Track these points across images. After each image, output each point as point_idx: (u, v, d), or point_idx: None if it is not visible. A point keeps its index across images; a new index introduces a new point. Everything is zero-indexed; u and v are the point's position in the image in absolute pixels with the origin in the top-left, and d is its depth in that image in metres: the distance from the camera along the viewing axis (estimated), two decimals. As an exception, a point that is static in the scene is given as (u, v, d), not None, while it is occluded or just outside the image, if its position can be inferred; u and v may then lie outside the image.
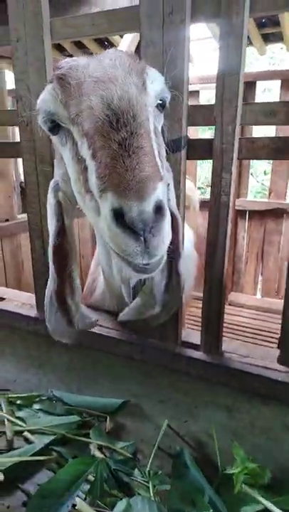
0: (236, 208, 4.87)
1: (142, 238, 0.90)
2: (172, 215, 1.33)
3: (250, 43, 4.59)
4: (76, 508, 1.21)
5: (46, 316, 1.49)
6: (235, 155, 1.35)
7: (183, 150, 1.42)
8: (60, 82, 1.07)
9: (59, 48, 4.56)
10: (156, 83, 1.13)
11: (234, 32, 1.25)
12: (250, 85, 4.65)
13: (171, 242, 1.01)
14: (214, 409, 1.62)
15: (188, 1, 1.29)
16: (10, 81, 3.92)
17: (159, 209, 0.90)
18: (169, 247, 1.00)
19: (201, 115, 1.41)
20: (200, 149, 1.44)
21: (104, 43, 4.89)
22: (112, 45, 4.82)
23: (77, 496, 1.31)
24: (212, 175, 1.40)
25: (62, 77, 1.07)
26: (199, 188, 8.66)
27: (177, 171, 1.43)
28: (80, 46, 4.73)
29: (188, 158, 1.45)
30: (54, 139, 1.20)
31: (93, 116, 0.99)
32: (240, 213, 4.94)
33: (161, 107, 1.19)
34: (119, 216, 0.89)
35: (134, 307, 1.53)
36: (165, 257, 1.04)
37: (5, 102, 3.79)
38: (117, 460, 1.52)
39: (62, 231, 1.32)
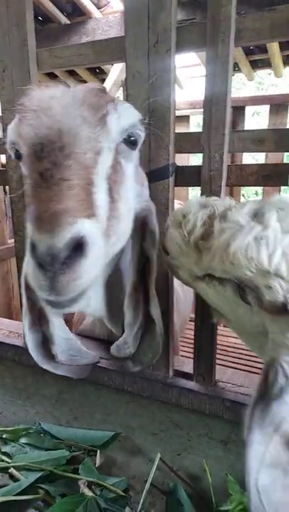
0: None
1: (49, 274, 0.86)
2: (147, 257, 1.31)
3: (238, 69, 4.70)
4: None
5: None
6: (223, 182, 1.34)
7: (171, 177, 1.41)
8: (20, 113, 1.06)
9: (51, 75, 4.64)
10: (124, 119, 1.10)
11: (220, 61, 1.26)
12: (240, 110, 4.75)
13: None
14: (209, 441, 1.56)
15: (173, 31, 1.30)
16: None
17: (79, 246, 0.86)
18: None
19: (188, 142, 1.41)
20: (188, 176, 1.43)
21: (96, 70, 5.01)
22: (103, 72, 4.93)
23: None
24: (201, 201, 1.39)
25: (21, 108, 1.06)
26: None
27: (165, 198, 1.42)
28: (71, 73, 4.83)
29: (176, 185, 1.44)
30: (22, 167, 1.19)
31: (24, 146, 1.00)
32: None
33: (131, 143, 1.16)
34: (34, 248, 0.86)
35: (116, 344, 1.49)
36: (86, 296, 1.00)
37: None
38: (107, 498, 1.45)
39: None
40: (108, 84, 5.11)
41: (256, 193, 8.95)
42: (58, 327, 1.42)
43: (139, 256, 1.31)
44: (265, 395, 1.00)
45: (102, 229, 0.98)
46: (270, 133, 1.29)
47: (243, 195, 9.42)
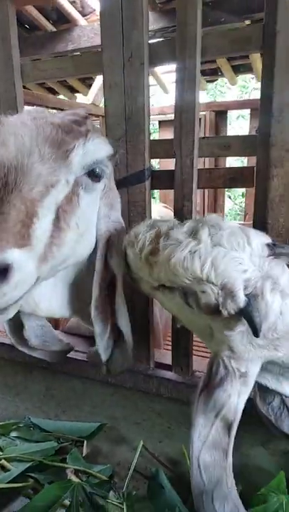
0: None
1: None
2: (112, 272, 1.41)
3: (221, 74, 4.84)
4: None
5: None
6: (194, 185, 1.45)
7: (147, 181, 1.52)
8: None
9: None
10: (90, 155, 1.20)
11: (188, 74, 1.37)
12: (222, 114, 4.89)
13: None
14: (188, 429, 1.66)
15: (146, 46, 1.41)
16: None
17: (2, 271, 0.98)
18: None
19: (162, 149, 1.52)
20: (163, 179, 1.54)
21: (85, 80, 5.18)
22: (90, 78, 5.10)
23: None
24: (174, 203, 1.50)
25: None
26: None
27: (142, 200, 1.52)
28: (63, 83, 4.98)
29: (152, 188, 1.55)
30: None
31: None
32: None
33: (94, 176, 1.26)
34: None
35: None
36: (13, 308, 1.13)
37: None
38: (92, 484, 1.54)
39: None
40: (94, 89, 5.26)
41: (242, 194, 9.11)
42: (28, 317, 1.52)
43: (103, 272, 1.41)
44: (209, 384, 1.16)
45: (37, 256, 1.09)
46: (235, 139, 1.41)
47: (229, 197, 9.58)
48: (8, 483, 1.54)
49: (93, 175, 1.25)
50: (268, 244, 1.15)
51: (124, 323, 1.44)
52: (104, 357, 1.49)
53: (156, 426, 1.72)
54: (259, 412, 1.46)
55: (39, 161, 1.10)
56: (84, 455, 1.71)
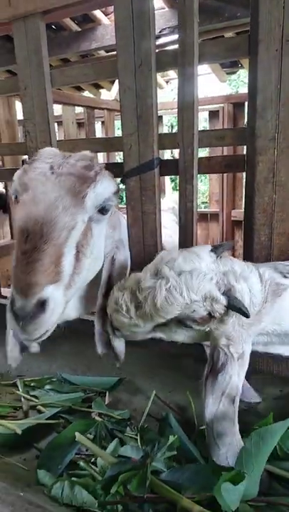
0: (232, 218, 5.21)
1: (21, 323, 1.28)
2: (111, 284, 1.66)
3: (241, 66, 5.00)
4: (76, 440, 1.54)
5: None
6: (195, 171, 1.72)
7: (156, 168, 1.80)
8: (21, 177, 1.48)
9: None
10: (100, 195, 1.47)
11: (187, 78, 1.64)
12: (240, 106, 5.07)
13: None
14: (193, 380, 1.94)
15: (153, 56, 1.68)
16: (20, 112, 4.38)
17: (41, 304, 1.27)
18: None
19: (168, 141, 1.80)
20: (169, 167, 1.81)
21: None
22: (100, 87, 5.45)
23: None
24: (179, 187, 1.78)
25: (23, 174, 1.47)
26: (203, 203, 9.06)
27: (152, 185, 1.81)
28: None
29: (161, 175, 1.83)
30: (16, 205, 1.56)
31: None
32: (236, 224, 5.26)
33: (104, 211, 1.53)
34: (13, 303, 1.28)
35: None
36: (48, 333, 1.43)
37: (16, 130, 4.20)
38: (112, 421, 1.85)
39: None
40: (117, 86, 5.57)
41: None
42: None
43: (107, 283, 1.70)
44: (212, 370, 1.45)
45: (64, 285, 1.38)
46: (229, 131, 1.67)
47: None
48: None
49: (103, 210, 1.53)
50: (211, 250, 1.43)
51: None
52: (100, 349, 1.78)
53: (167, 378, 2.01)
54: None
55: (63, 212, 1.37)
56: (106, 403, 2.03)
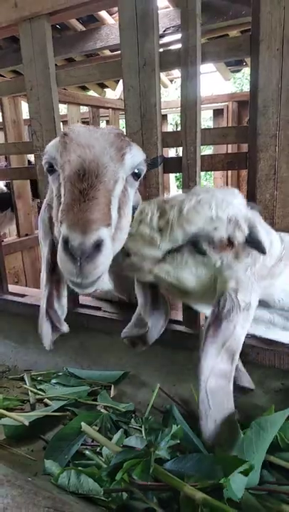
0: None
1: (78, 263, 1.24)
2: None
3: (246, 64, 5.03)
4: (81, 430, 1.58)
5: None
6: (198, 168, 1.75)
7: (160, 166, 1.83)
8: (62, 139, 1.46)
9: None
10: (135, 158, 1.49)
11: (190, 77, 1.67)
12: (245, 104, 5.09)
13: None
14: (196, 373, 1.98)
15: (156, 56, 1.72)
16: (25, 111, 4.44)
17: (98, 245, 1.24)
18: None
19: (171, 139, 1.83)
20: (173, 165, 1.85)
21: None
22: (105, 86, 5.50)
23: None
24: (182, 184, 1.81)
25: (64, 136, 1.46)
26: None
27: (156, 182, 1.85)
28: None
29: (164, 172, 1.86)
30: (50, 177, 1.57)
31: (70, 168, 1.37)
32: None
33: (136, 176, 1.55)
34: (67, 243, 1.24)
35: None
36: (100, 280, 1.37)
37: (22, 129, 4.26)
38: (117, 413, 1.89)
39: (52, 243, 1.70)
40: (121, 85, 5.61)
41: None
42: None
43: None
44: (217, 317, 1.39)
45: (112, 234, 1.37)
46: (231, 129, 1.70)
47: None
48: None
49: (135, 174, 1.55)
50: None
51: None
52: (149, 321, 1.80)
53: (171, 372, 2.05)
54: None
55: (110, 160, 1.40)
56: (111, 396, 2.07)
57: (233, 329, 1.36)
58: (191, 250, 1.41)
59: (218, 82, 7.64)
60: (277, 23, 1.47)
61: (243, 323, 1.37)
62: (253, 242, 1.33)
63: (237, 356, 1.39)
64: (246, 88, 9.80)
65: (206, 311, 1.63)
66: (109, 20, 4.31)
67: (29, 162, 4.11)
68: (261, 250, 1.33)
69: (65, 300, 1.87)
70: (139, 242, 1.48)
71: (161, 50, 1.75)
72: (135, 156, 1.51)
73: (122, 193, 1.46)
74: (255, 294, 1.40)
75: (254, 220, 1.36)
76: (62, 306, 1.88)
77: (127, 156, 1.46)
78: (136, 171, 1.55)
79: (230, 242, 1.35)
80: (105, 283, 1.82)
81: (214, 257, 1.40)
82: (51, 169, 1.51)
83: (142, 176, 1.60)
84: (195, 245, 1.40)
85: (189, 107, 1.70)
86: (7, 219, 4.54)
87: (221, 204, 1.33)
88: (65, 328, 1.83)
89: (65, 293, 1.85)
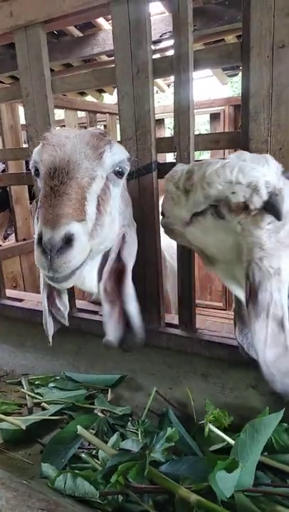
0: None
1: (49, 257, 1.29)
2: (122, 263, 1.72)
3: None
4: (77, 433, 1.59)
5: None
6: (191, 173, 1.77)
7: (154, 171, 1.86)
8: (43, 143, 1.51)
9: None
10: (116, 156, 1.53)
11: (183, 84, 1.70)
12: (239, 108, 5.13)
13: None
14: (192, 376, 2.00)
15: (150, 63, 1.75)
16: (23, 117, 4.47)
17: (68, 240, 1.28)
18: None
19: (165, 144, 1.86)
20: (167, 170, 1.85)
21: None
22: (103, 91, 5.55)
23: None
24: (176, 189, 1.83)
25: (44, 140, 1.51)
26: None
27: (150, 187, 1.87)
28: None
29: (159, 178, 1.89)
30: (37, 180, 1.60)
31: (42, 168, 1.44)
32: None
33: (119, 174, 1.59)
34: (41, 239, 1.28)
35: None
36: (75, 276, 1.41)
37: (19, 135, 4.29)
38: (114, 417, 1.91)
39: None
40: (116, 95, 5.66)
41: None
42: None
43: (116, 261, 1.73)
44: (251, 291, 1.34)
45: (88, 231, 1.41)
46: (224, 135, 1.72)
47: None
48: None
49: (118, 172, 1.59)
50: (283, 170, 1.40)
51: (132, 307, 1.72)
52: (111, 337, 1.74)
53: (167, 375, 2.07)
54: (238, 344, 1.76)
55: (85, 158, 1.44)
56: (108, 400, 2.08)
57: (270, 297, 1.32)
58: (213, 214, 1.42)
59: (216, 87, 7.68)
60: (267, 30, 1.49)
61: (278, 287, 1.33)
62: (269, 208, 1.31)
63: (286, 320, 1.33)
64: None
65: (238, 292, 1.62)
66: (106, 25, 4.33)
67: (27, 164, 4.13)
68: (276, 216, 1.31)
69: (66, 297, 1.90)
70: (170, 202, 1.53)
71: (156, 56, 1.78)
72: (116, 155, 1.54)
73: (102, 191, 1.50)
74: (283, 259, 1.35)
75: (281, 187, 1.33)
76: (64, 303, 1.92)
77: (105, 155, 1.50)
78: (118, 169, 1.58)
79: (246, 206, 1.34)
80: (94, 286, 1.84)
81: (233, 222, 1.39)
82: (37, 173, 1.56)
83: (125, 174, 1.63)
84: (214, 208, 1.41)
85: (182, 112, 1.72)
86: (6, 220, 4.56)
87: (244, 169, 1.33)
88: (65, 322, 1.91)
89: (65, 290, 1.88)
